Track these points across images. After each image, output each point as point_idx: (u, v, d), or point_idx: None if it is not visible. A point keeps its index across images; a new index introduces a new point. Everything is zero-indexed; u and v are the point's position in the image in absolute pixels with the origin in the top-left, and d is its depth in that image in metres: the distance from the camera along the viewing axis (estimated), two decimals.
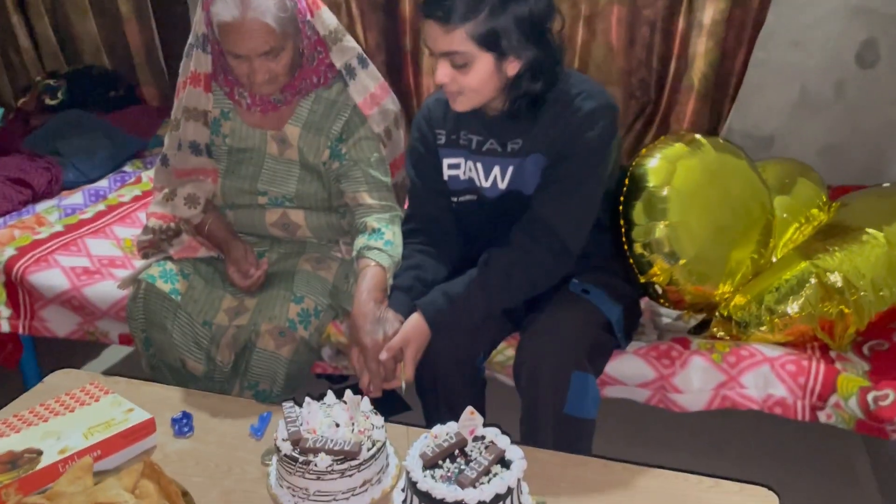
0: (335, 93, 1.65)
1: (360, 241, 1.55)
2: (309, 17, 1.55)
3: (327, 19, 1.59)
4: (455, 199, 1.58)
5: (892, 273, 1.52)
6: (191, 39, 1.62)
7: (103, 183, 2.47)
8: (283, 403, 1.18)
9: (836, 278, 1.50)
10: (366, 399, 1.20)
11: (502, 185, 1.51)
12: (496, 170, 1.51)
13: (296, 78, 1.60)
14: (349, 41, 1.63)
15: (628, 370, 1.56)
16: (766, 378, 1.51)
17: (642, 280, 1.58)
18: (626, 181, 1.58)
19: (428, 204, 1.59)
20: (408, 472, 1.06)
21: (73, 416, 1.25)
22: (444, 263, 1.56)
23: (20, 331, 1.90)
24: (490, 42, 1.33)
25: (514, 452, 1.10)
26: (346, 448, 1.10)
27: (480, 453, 1.09)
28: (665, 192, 1.54)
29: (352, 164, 1.64)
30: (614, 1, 2.39)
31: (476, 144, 1.52)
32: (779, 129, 2.52)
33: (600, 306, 1.47)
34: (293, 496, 1.12)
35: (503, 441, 1.12)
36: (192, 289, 1.63)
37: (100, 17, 3.05)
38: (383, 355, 1.36)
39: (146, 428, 1.25)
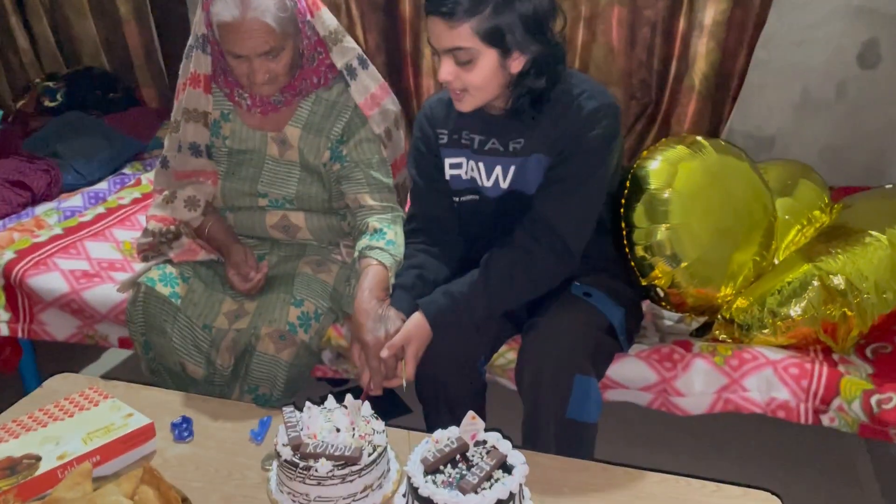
0: (335, 94, 1.64)
1: (363, 241, 1.54)
2: (309, 17, 1.55)
3: (327, 20, 1.59)
4: (457, 199, 1.58)
5: (895, 275, 1.51)
6: (190, 41, 1.62)
7: (103, 185, 2.47)
8: (284, 408, 1.17)
9: (838, 281, 1.49)
10: (366, 404, 1.20)
11: (504, 185, 1.50)
12: (498, 169, 1.50)
13: (296, 79, 1.59)
14: (349, 42, 1.63)
15: (630, 373, 1.56)
16: (768, 381, 1.50)
17: (644, 283, 1.57)
18: (627, 184, 1.57)
19: (430, 204, 1.59)
20: (409, 478, 1.05)
21: (73, 422, 1.24)
22: (446, 263, 1.55)
23: (19, 334, 1.89)
24: (494, 38, 1.33)
25: (516, 457, 1.10)
26: (347, 453, 1.09)
27: (482, 458, 1.08)
28: (666, 194, 1.54)
29: (353, 166, 1.63)
30: (615, 2, 2.39)
31: (478, 144, 1.51)
32: (780, 130, 2.51)
33: (603, 309, 1.46)
34: (294, 502, 1.11)
35: (505, 446, 1.12)
36: (191, 292, 1.63)
37: (99, 18, 3.05)
38: (384, 353, 1.36)
39: (146, 433, 1.24)
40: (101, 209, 2.27)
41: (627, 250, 1.56)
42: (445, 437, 1.12)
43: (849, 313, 1.49)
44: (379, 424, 1.17)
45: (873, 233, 1.55)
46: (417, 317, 1.40)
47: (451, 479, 1.04)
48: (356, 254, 1.54)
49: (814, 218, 1.80)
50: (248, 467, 1.23)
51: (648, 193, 1.54)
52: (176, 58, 1.68)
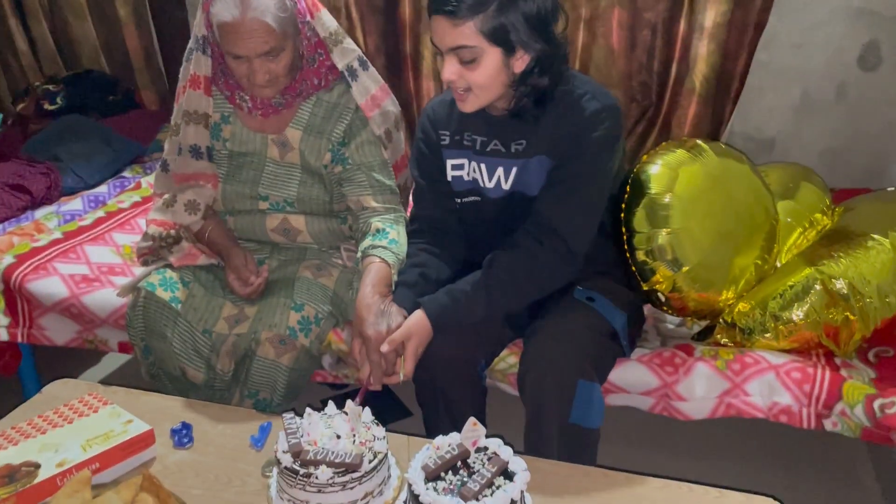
0: (336, 95, 1.64)
1: (366, 241, 1.54)
2: (308, 18, 1.55)
3: (327, 21, 1.59)
4: (459, 200, 1.58)
5: None
6: (190, 44, 1.62)
7: (102, 189, 2.46)
8: (284, 414, 1.16)
9: (841, 285, 1.49)
10: (367, 410, 1.19)
11: (506, 186, 1.50)
12: (500, 171, 1.50)
13: (296, 80, 1.59)
14: (349, 43, 1.63)
15: (632, 378, 1.55)
16: (770, 386, 1.50)
17: (645, 288, 1.57)
18: (628, 188, 1.57)
19: (432, 205, 1.59)
20: (410, 485, 1.05)
21: (72, 428, 1.24)
22: (448, 264, 1.55)
23: (19, 339, 1.89)
24: (499, 36, 1.33)
25: (518, 464, 1.09)
26: (348, 460, 1.09)
27: (483, 465, 1.08)
28: (667, 199, 1.53)
29: (355, 168, 1.63)
30: (615, 4, 2.39)
31: (480, 145, 1.51)
32: (780, 132, 2.51)
33: (605, 314, 1.46)
34: None
35: (506, 452, 1.11)
36: (192, 297, 1.62)
37: (98, 21, 3.04)
38: (385, 347, 1.36)
39: (145, 440, 1.24)
40: (100, 213, 2.27)
41: (628, 255, 1.56)
42: (446, 443, 1.12)
43: (851, 317, 1.48)
44: (380, 431, 1.16)
45: (875, 236, 1.55)
46: (419, 314, 1.40)
47: (452, 486, 1.04)
48: (359, 254, 1.54)
49: (815, 221, 1.80)
50: (248, 474, 1.23)
51: (649, 198, 1.54)
52: (175, 60, 1.68)
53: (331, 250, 1.76)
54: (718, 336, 1.61)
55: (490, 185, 1.52)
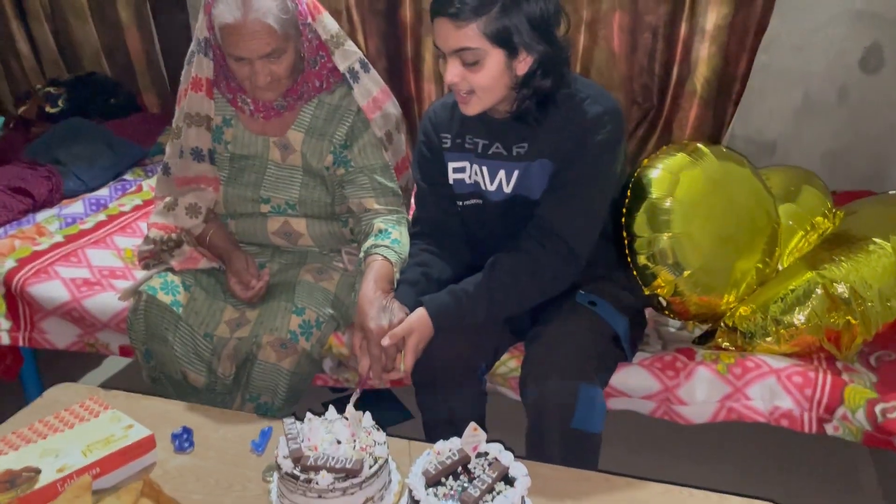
0: (338, 97, 1.65)
1: (368, 242, 1.54)
2: (310, 20, 1.55)
3: (328, 24, 1.60)
4: (461, 203, 1.58)
5: None
6: (192, 46, 1.62)
7: (104, 192, 2.47)
8: (284, 419, 1.16)
9: (842, 289, 1.49)
10: (368, 414, 1.19)
11: (508, 189, 1.50)
12: (501, 174, 1.50)
13: (297, 82, 1.59)
14: (351, 46, 1.64)
15: (633, 382, 1.55)
16: (772, 390, 1.49)
17: (646, 292, 1.56)
18: (629, 193, 1.57)
19: (434, 208, 1.59)
20: (410, 490, 1.05)
21: (72, 433, 1.24)
22: (450, 265, 1.55)
23: (20, 343, 1.89)
24: (502, 38, 1.33)
25: (518, 469, 1.09)
26: (348, 465, 1.09)
27: (484, 470, 1.08)
28: (668, 203, 1.53)
29: (357, 171, 1.64)
30: (616, 6, 2.39)
31: (482, 148, 1.51)
32: (782, 135, 2.51)
33: (607, 319, 1.46)
34: None
35: (507, 457, 1.11)
36: (193, 300, 1.62)
37: (100, 24, 3.05)
38: (386, 341, 1.35)
39: (146, 445, 1.24)
40: (102, 216, 2.27)
41: (629, 259, 1.56)
42: (447, 448, 1.12)
43: (853, 321, 1.48)
44: (380, 436, 1.16)
45: (877, 240, 1.54)
46: (420, 312, 1.40)
47: (452, 492, 1.04)
48: (361, 254, 1.54)
49: (817, 224, 1.80)
50: (248, 479, 1.22)
51: (650, 202, 1.54)
52: (177, 63, 1.68)
53: (332, 253, 1.76)
54: (720, 340, 1.61)
55: (492, 188, 1.52)
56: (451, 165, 1.56)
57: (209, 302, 1.64)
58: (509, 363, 1.59)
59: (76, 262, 1.98)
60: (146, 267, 1.73)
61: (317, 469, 1.08)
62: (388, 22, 2.63)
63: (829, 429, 1.47)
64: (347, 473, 1.08)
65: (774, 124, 2.50)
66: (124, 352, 1.86)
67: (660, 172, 1.56)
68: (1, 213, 2.24)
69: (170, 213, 1.70)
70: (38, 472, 1.14)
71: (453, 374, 1.47)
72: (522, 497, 1.05)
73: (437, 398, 1.50)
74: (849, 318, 1.48)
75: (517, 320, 1.55)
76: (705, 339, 1.67)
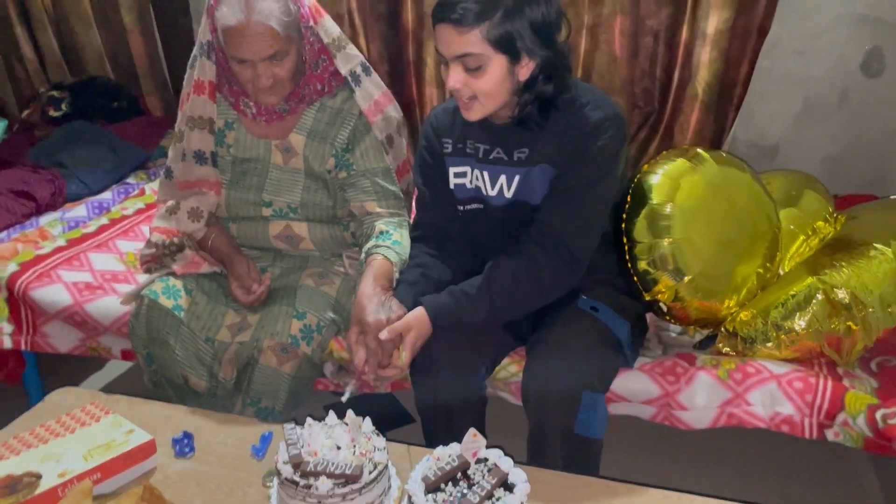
0: (340, 101, 1.65)
1: (369, 243, 1.55)
2: (312, 23, 1.56)
3: (330, 27, 1.60)
4: (461, 208, 1.58)
5: None
6: (195, 50, 1.63)
7: (106, 195, 2.47)
8: (285, 425, 1.17)
9: (843, 294, 1.49)
10: (367, 420, 1.19)
11: (508, 194, 1.50)
12: (502, 179, 1.50)
13: (299, 86, 1.60)
14: (352, 49, 1.64)
15: (633, 387, 1.55)
16: (772, 395, 1.49)
17: (647, 298, 1.56)
18: (629, 199, 1.57)
19: (435, 212, 1.60)
20: (410, 496, 1.05)
21: (73, 438, 1.24)
22: (450, 269, 1.55)
23: (22, 347, 1.90)
24: (504, 43, 1.33)
25: (518, 475, 1.09)
26: (348, 471, 1.09)
27: (483, 476, 1.08)
28: (668, 209, 1.53)
29: (359, 174, 1.64)
30: (617, 11, 2.39)
31: (483, 153, 1.51)
32: (783, 139, 2.51)
33: (609, 324, 1.46)
34: None
35: (506, 463, 1.11)
36: (194, 305, 1.63)
37: (103, 28, 3.06)
38: (384, 334, 1.36)
39: (146, 450, 1.24)
40: (104, 220, 2.28)
41: (630, 265, 1.56)
42: (447, 454, 1.12)
43: (853, 327, 1.48)
44: (380, 441, 1.16)
45: (878, 246, 1.54)
46: (419, 310, 1.41)
47: (452, 498, 1.04)
48: (362, 255, 1.54)
49: (818, 228, 1.79)
50: (249, 484, 1.23)
51: (650, 208, 1.54)
52: (180, 67, 1.69)
53: (333, 258, 1.77)
54: (720, 345, 1.61)
55: (493, 193, 1.52)
56: (453, 170, 1.56)
57: (211, 306, 1.65)
58: (510, 368, 1.59)
59: (79, 266, 1.98)
60: (148, 271, 1.73)
61: (316, 475, 1.09)
62: (389, 26, 2.64)
63: (830, 435, 1.46)
64: (347, 479, 1.09)
65: (776, 128, 2.50)
66: (126, 356, 1.86)
67: (660, 178, 1.56)
68: (4, 216, 2.25)
69: (172, 217, 1.70)
70: (39, 477, 1.14)
71: (453, 380, 1.47)
72: (522, 503, 1.05)
73: (438, 403, 1.49)
74: (849, 323, 1.48)
75: (518, 325, 1.55)
76: (706, 343, 1.67)
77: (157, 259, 1.71)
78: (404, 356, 1.38)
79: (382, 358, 1.38)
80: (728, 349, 1.60)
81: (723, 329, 1.61)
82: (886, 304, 1.48)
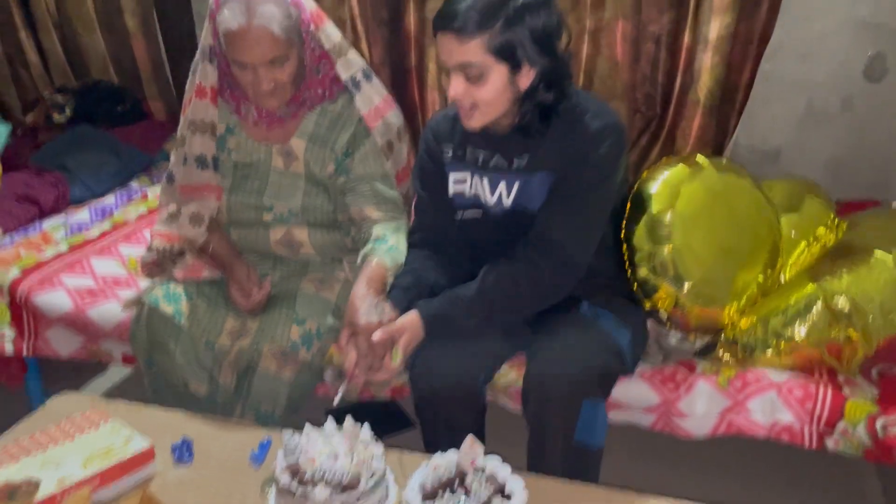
0: (340, 106, 1.66)
1: (366, 247, 1.55)
2: (313, 27, 1.56)
3: (331, 33, 1.61)
4: (460, 215, 1.58)
5: None
6: (197, 56, 1.64)
7: (109, 199, 2.48)
8: (283, 432, 1.17)
9: (843, 302, 1.48)
10: (366, 426, 1.19)
11: (508, 202, 1.50)
12: (502, 186, 1.50)
13: (300, 90, 1.60)
14: (354, 55, 1.65)
15: (633, 394, 1.55)
16: (772, 403, 1.49)
17: (647, 305, 1.56)
18: (628, 206, 1.56)
19: (433, 218, 1.59)
20: None
21: (73, 444, 1.24)
22: (447, 275, 1.55)
23: (24, 352, 1.90)
24: (505, 52, 1.33)
25: (515, 483, 1.09)
26: (345, 480, 1.09)
27: (481, 485, 1.08)
28: (668, 216, 1.53)
29: (358, 179, 1.64)
30: (619, 16, 2.38)
31: (482, 160, 1.51)
32: (786, 143, 2.50)
33: (610, 331, 1.45)
34: None
35: (504, 471, 1.11)
36: (195, 310, 1.63)
37: (107, 32, 3.07)
38: (377, 335, 1.35)
39: (145, 457, 1.24)
40: (107, 225, 2.28)
41: (630, 272, 1.55)
42: (444, 462, 1.12)
43: (853, 335, 1.47)
44: (378, 448, 1.16)
45: (878, 253, 1.53)
46: (412, 314, 1.40)
47: None
48: (359, 259, 1.54)
49: (819, 235, 1.79)
50: (247, 491, 1.23)
51: (650, 215, 1.53)
52: (183, 71, 1.70)
53: (333, 263, 1.77)
54: (720, 352, 1.61)
55: (492, 200, 1.52)
56: (452, 177, 1.56)
57: (211, 311, 1.65)
58: (509, 375, 1.58)
59: (80, 271, 1.99)
60: (149, 276, 1.74)
61: (314, 483, 1.09)
62: (391, 31, 2.64)
63: (830, 443, 1.46)
64: (344, 487, 1.09)
65: (778, 133, 2.49)
66: (128, 360, 1.87)
67: (659, 185, 1.56)
68: (8, 220, 2.26)
69: (173, 222, 1.71)
70: (37, 483, 1.14)
71: (453, 386, 1.46)
72: None
73: (437, 409, 1.49)
74: (850, 331, 1.48)
75: (518, 331, 1.55)
76: (707, 350, 1.66)
77: (159, 264, 1.71)
78: (397, 359, 1.38)
79: (374, 360, 1.37)
80: (728, 357, 1.59)
81: (723, 336, 1.61)
82: (887, 312, 1.48)
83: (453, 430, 1.44)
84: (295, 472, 1.10)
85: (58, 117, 2.92)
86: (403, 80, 2.69)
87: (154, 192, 2.49)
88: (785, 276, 1.72)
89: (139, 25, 3.00)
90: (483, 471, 1.11)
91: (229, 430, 1.40)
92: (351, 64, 1.63)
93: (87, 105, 2.96)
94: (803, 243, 1.77)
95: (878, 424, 1.40)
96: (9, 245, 2.12)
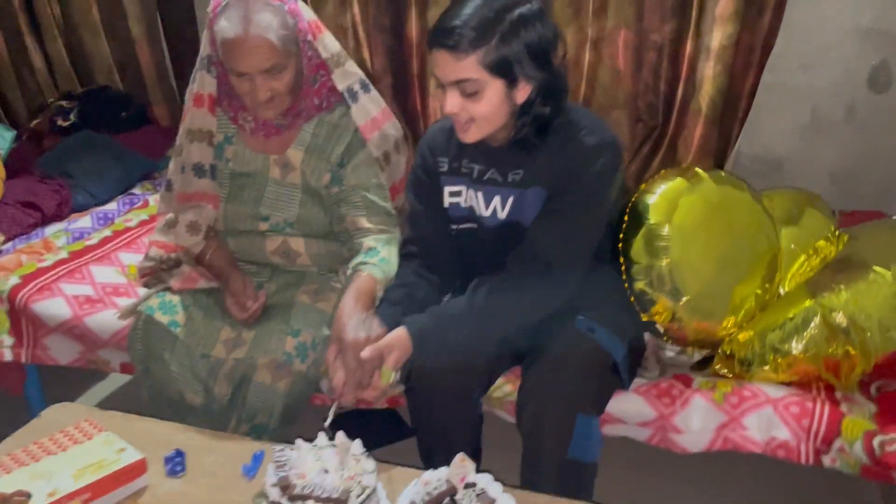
0: (337, 116, 1.66)
1: (355, 259, 1.55)
2: (310, 37, 1.56)
3: (329, 43, 1.61)
4: (454, 227, 1.57)
5: None
6: (197, 65, 1.64)
7: (112, 206, 2.49)
8: (274, 446, 1.17)
9: (841, 318, 1.47)
10: (357, 441, 1.19)
11: (502, 215, 1.50)
12: (496, 199, 1.50)
13: (297, 100, 1.60)
14: (351, 66, 1.65)
15: (628, 409, 1.54)
16: (769, 420, 1.48)
17: (644, 318, 1.55)
18: (626, 218, 1.56)
19: (426, 230, 1.59)
20: None
21: (65, 456, 1.24)
22: (437, 288, 1.55)
23: (23, 360, 1.91)
24: (501, 68, 1.33)
25: (506, 501, 1.08)
26: (335, 495, 1.09)
27: (471, 502, 1.07)
28: (665, 229, 1.52)
29: (351, 189, 1.64)
30: (621, 25, 2.37)
31: (477, 173, 1.51)
32: (788, 153, 2.48)
33: (606, 346, 1.44)
34: None
35: (495, 489, 1.11)
36: (190, 320, 1.63)
37: (112, 38, 3.09)
38: (366, 352, 1.32)
39: (137, 469, 1.24)
40: (107, 232, 2.29)
41: (627, 285, 1.55)
42: (435, 478, 1.12)
43: (852, 351, 1.46)
44: (370, 464, 1.16)
45: (878, 269, 1.52)
46: (401, 330, 1.38)
47: None
48: (349, 271, 1.53)
49: (819, 248, 1.77)
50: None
51: (647, 228, 1.53)
52: (187, 77, 1.71)
53: (330, 273, 1.77)
54: (717, 367, 1.60)
55: (486, 213, 1.52)
56: (447, 189, 1.56)
57: (207, 321, 1.65)
58: (505, 388, 1.58)
59: (80, 279, 1.99)
60: (146, 285, 1.74)
61: (304, 498, 1.09)
62: (393, 38, 2.63)
63: (827, 461, 1.44)
64: (334, 502, 1.08)
65: (781, 142, 2.48)
66: (125, 369, 1.87)
67: (657, 198, 1.56)
68: (10, 227, 2.27)
69: (170, 231, 1.71)
70: (28, 496, 1.14)
71: (449, 398, 1.46)
72: None
73: (433, 422, 1.49)
74: (848, 348, 1.46)
75: (513, 344, 1.54)
76: (704, 364, 1.66)
77: (155, 273, 1.72)
78: (387, 379, 1.36)
79: (363, 377, 1.34)
80: (725, 371, 1.58)
81: (720, 350, 1.60)
82: (885, 329, 1.46)
83: (450, 442, 1.44)
84: (285, 486, 1.10)
85: (62, 123, 2.93)
86: (405, 88, 2.69)
87: (155, 199, 2.49)
88: (784, 289, 1.71)
89: (144, 32, 3.02)
90: (474, 487, 1.10)
91: (222, 442, 1.40)
92: (348, 74, 1.63)
93: (92, 111, 2.97)
94: (803, 256, 1.76)
95: (876, 442, 1.38)
96: (10, 251, 2.13)
